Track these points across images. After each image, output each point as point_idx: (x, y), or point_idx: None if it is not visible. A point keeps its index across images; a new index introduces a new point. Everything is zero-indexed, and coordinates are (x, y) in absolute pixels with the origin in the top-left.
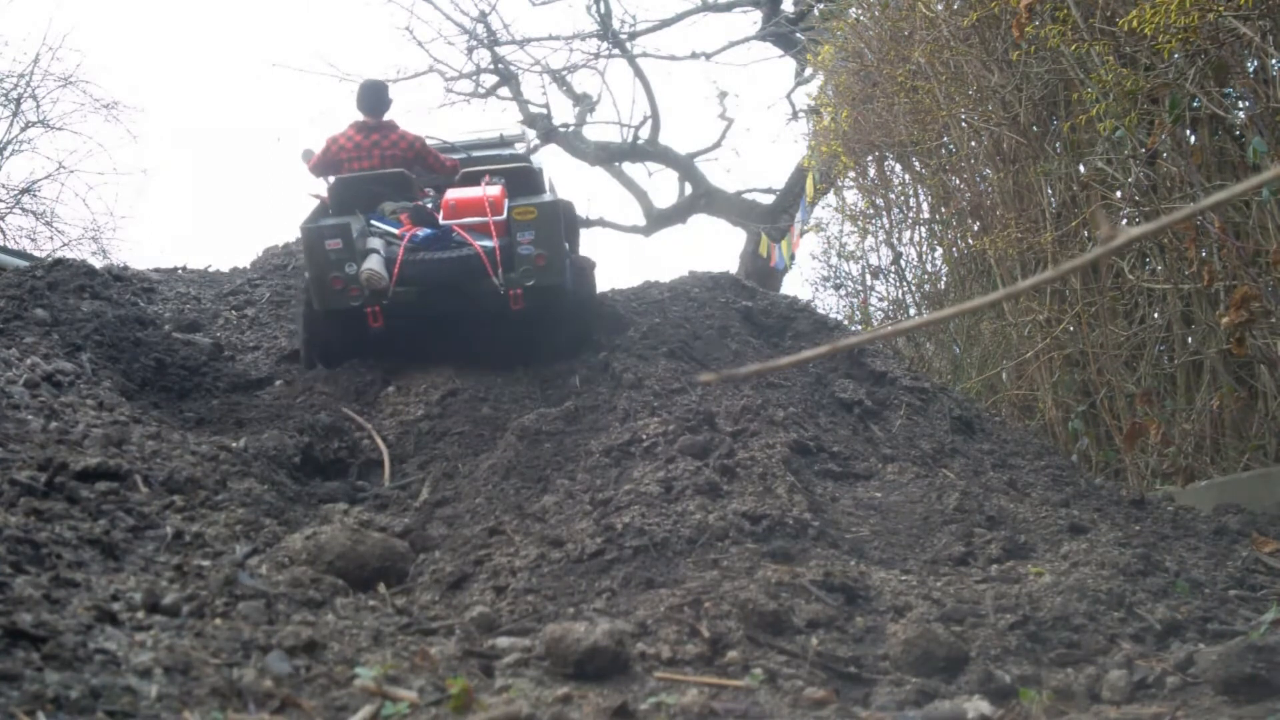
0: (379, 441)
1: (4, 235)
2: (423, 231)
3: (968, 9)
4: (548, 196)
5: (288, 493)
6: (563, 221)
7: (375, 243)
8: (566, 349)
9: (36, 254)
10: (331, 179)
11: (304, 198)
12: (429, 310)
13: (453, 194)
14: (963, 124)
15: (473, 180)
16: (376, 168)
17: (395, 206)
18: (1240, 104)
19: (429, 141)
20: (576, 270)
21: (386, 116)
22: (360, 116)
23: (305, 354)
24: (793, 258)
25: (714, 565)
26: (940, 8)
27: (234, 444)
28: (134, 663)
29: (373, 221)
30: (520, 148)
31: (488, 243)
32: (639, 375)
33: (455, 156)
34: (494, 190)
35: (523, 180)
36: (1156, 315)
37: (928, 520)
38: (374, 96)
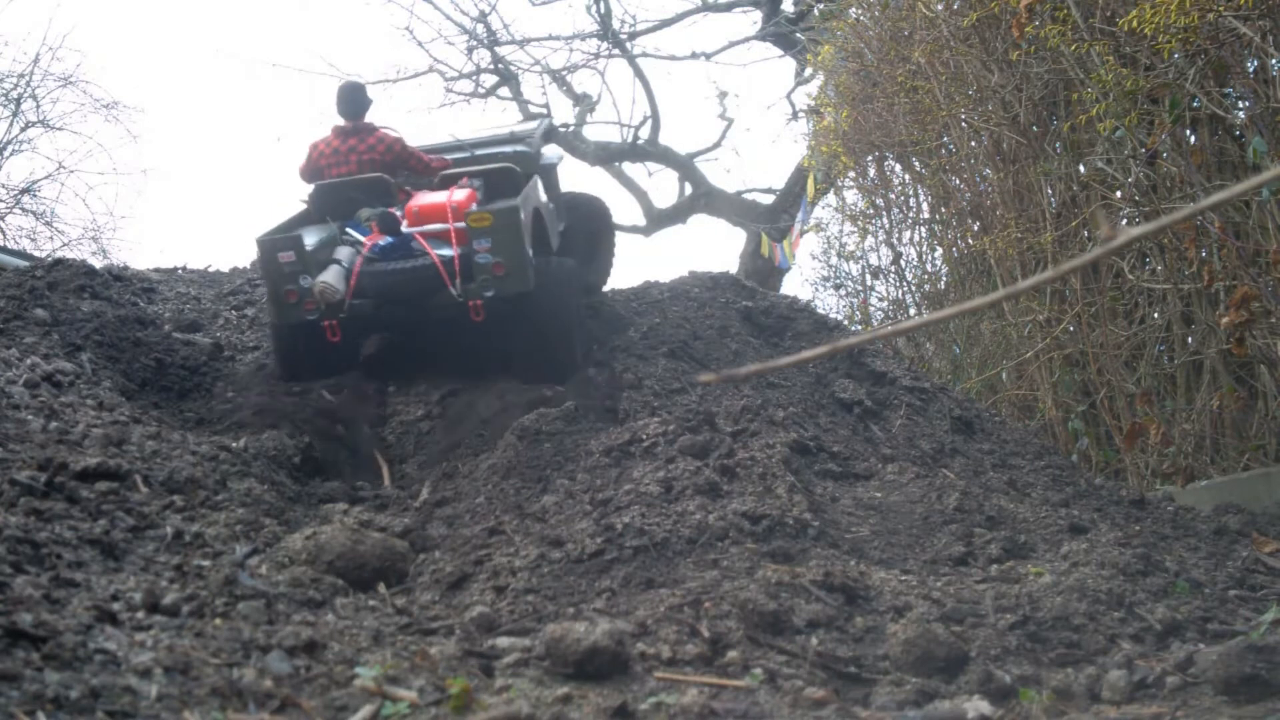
0: (377, 454)
1: (4, 235)
2: (383, 240)
3: (968, 9)
4: (515, 200)
5: (288, 493)
6: (526, 227)
7: (342, 253)
8: (544, 367)
9: (36, 254)
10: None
11: (297, 199)
12: (388, 322)
13: (417, 200)
14: (963, 124)
15: (451, 183)
16: (354, 173)
17: (370, 213)
18: (1240, 104)
19: (443, 139)
20: (556, 279)
21: (368, 117)
22: (340, 121)
23: (277, 366)
24: (793, 257)
25: (714, 565)
26: (940, 8)
27: (234, 444)
28: (134, 663)
29: (348, 230)
30: (548, 152)
31: (447, 251)
32: (639, 375)
33: (459, 155)
34: (460, 195)
35: (509, 182)
36: (1156, 315)
37: (928, 520)
38: (351, 99)
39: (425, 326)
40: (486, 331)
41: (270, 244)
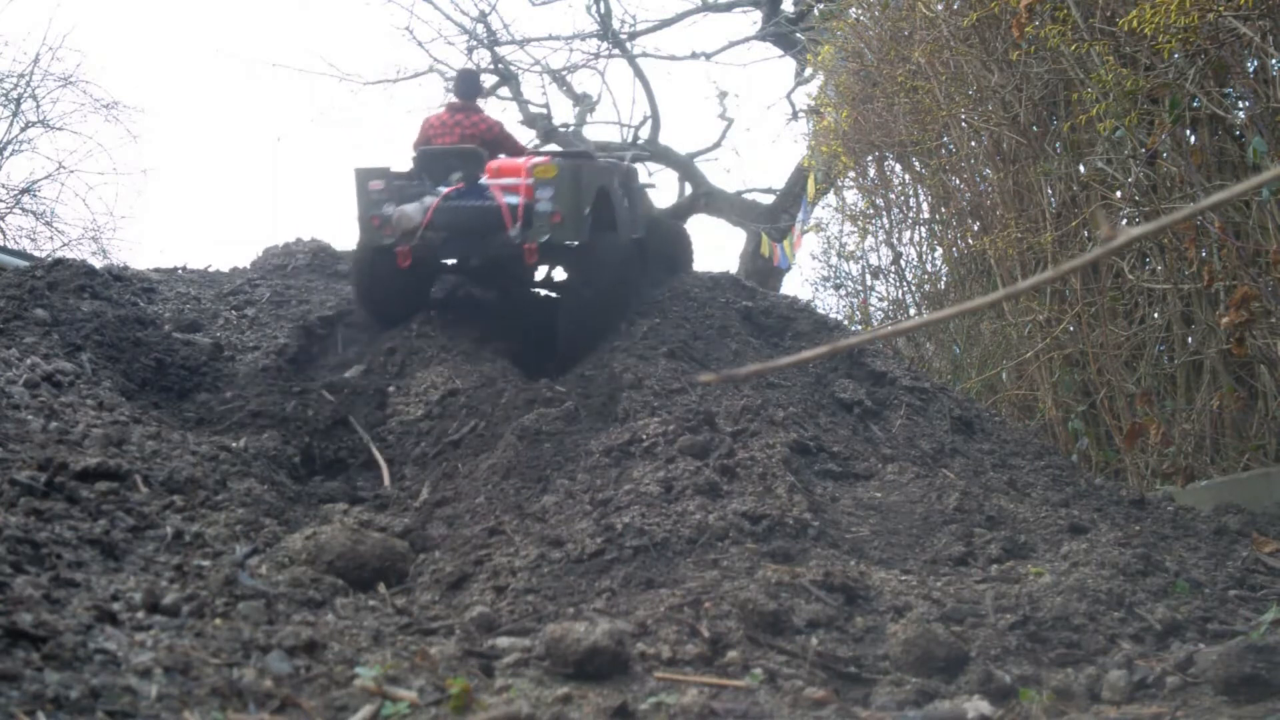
0: (376, 454)
1: (4, 235)
2: (463, 188)
3: (968, 9)
4: (579, 161)
5: (288, 493)
6: (588, 189)
7: (427, 199)
8: (585, 330)
9: (36, 254)
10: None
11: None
12: (451, 255)
13: (498, 160)
14: (963, 124)
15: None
16: (456, 144)
17: (459, 176)
18: (1240, 104)
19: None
20: (606, 251)
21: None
22: (454, 100)
23: (356, 293)
24: (793, 257)
25: (714, 565)
26: (940, 8)
27: (234, 444)
28: (134, 663)
29: (439, 190)
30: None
31: (514, 199)
32: (639, 375)
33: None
34: (539, 160)
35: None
36: (1156, 315)
37: (928, 520)
38: (465, 83)
39: (485, 269)
40: (538, 293)
41: (364, 173)
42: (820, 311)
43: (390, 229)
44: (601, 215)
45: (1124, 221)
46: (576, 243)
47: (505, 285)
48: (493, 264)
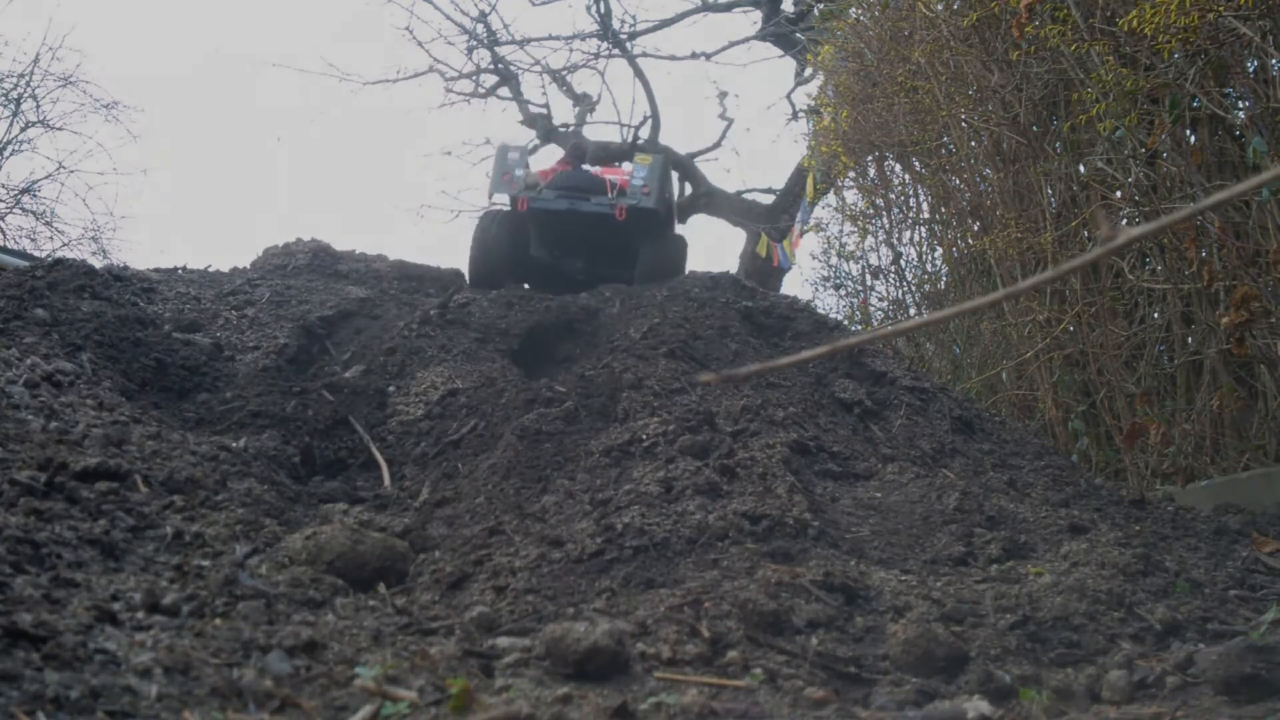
0: (376, 454)
1: (4, 235)
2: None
3: (968, 9)
4: (667, 159)
5: (288, 493)
6: (668, 175)
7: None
8: (659, 272)
9: (36, 254)
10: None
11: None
12: (561, 206)
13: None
14: (963, 124)
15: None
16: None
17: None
18: (1240, 104)
19: None
20: (667, 218)
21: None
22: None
23: (474, 257)
24: (793, 257)
25: (714, 565)
26: (940, 8)
27: (234, 444)
28: (134, 663)
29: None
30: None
31: (615, 179)
32: (639, 375)
33: None
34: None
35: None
36: (1156, 315)
37: (928, 520)
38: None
39: (582, 223)
40: (625, 247)
41: (505, 146)
42: (820, 311)
43: (516, 184)
44: (668, 201)
45: (1124, 221)
46: (655, 209)
47: (586, 252)
48: (589, 219)
